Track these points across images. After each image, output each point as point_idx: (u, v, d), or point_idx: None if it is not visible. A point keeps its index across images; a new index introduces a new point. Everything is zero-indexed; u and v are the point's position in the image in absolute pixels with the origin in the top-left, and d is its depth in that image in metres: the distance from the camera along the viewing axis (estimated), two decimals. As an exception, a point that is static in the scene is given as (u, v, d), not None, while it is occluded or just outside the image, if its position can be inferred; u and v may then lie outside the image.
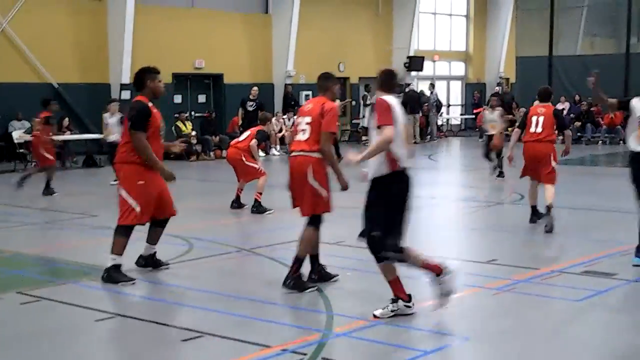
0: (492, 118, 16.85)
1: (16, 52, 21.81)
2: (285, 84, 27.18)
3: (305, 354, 5.79)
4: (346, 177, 7.51)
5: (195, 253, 9.48)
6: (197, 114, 25.65)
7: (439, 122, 32.23)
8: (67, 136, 20.84)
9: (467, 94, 35.55)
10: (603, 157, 21.85)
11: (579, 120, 27.13)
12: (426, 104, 29.86)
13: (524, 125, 10.90)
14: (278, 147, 24.06)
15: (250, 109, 22.17)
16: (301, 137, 7.62)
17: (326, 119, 7.45)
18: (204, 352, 6.06)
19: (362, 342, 6.17)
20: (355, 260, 8.97)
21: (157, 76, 8.13)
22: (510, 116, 28.58)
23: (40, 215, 12.85)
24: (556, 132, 10.81)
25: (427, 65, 32.74)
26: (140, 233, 8.25)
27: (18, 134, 20.26)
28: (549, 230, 10.37)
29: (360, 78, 30.92)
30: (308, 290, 7.49)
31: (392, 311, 6.61)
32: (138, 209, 7.86)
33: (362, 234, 6.69)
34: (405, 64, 31.52)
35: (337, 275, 7.92)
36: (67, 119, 21.27)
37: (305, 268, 7.72)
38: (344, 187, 7.54)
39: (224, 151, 20.38)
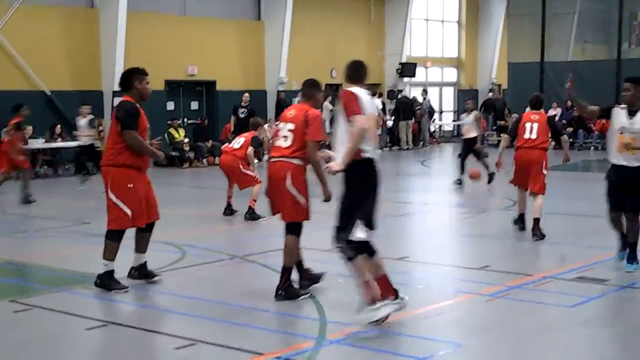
0: (467, 121, 16.83)
1: (8, 60, 21.75)
2: (278, 91, 27.19)
3: (298, 362, 5.80)
4: (330, 188, 7.40)
5: (188, 260, 9.47)
6: (189, 121, 25.63)
7: (432, 128, 32.27)
8: (59, 143, 20.79)
9: (459, 100, 35.60)
10: (595, 163, 21.89)
11: (571, 126, 27.18)
12: (419, 109, 29.87)
13: (515, 132, 10.88)
14: (271, 153, 24.01)
15: (241, 115, 22.16)
16: (282, 143, 7.56)
17: (312, 127, 7.37)
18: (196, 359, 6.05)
19: (355, 350, 6.17)
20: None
21: (145, 78, 8.02)
22: (503, 122, 28.69)
23: (32, 223, 12.81)
24: (550, 139, 10.82)
25: (420, 71, 32.80)
26: (129, 240, 8.21)
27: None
28: (537, 238, 10.39)
29: (352, 84, 30.94)
30: (301, 298, 7.49)
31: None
32: (130, 212, 7.82)
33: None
34: (397, 70, 31.60)
35: (325, 272, 7.92)
36: (59, 126, 21.21)
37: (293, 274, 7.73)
38: (327, 198, 7.40)
39: (216, 158, 20.36)
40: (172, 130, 22.98)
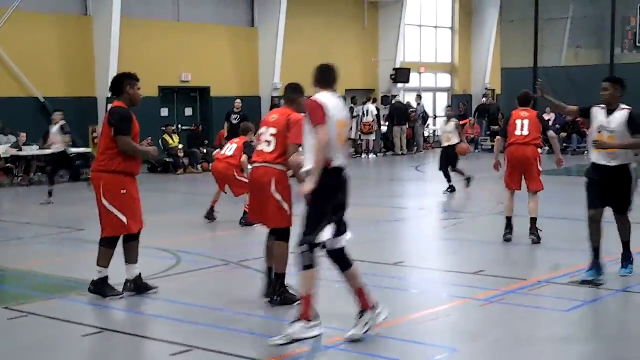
0: (447, 130, 16.52)
1: (2, 67, 21.74)
2: (272, 97, 27.20)
3: (294, 367, 5.79)
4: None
5: (183, 267, 9.46)
6: (184, 127, 25.63)
7: (426, 134, 32.32)
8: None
9: (453, 106, 35.64)
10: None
11: (565, 131, 27.25)
12: (413, 111, 29.88)
13: (506, 132, 10.87)
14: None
15: (234, 121, 22.16)
16: (265, 148, 7.52)
17: (293, 131, 7.28)
18: (192, 366, 6.04)
19: (351, 355, 6.17)
20: (343, 272, 8.99)
21: (136, 83, 7.98)
22: (497, 127, 28.73)
23: (27, 230, 12.78)
24: (542, 136, 10.79)
25: (413, 77, 32.86)
26: (121, 247, 8.18)
27: (5, 149, 20.16)
28: (537, 242, 10.41)
29: (346, 90, 30.98)
30: (297, 303, 7.47)
31: (364, 325, 6.39)
32: (124, 219, 7.79)
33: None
34: (391, 76, 31.66)
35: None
36: (53, 133, 21.17)
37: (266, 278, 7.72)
38: (299, 197, 7.17)
39: (211, 164, 20.34)
40: (166, 137, 22.97)
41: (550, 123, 25.69)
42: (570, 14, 31.01)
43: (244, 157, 12.36)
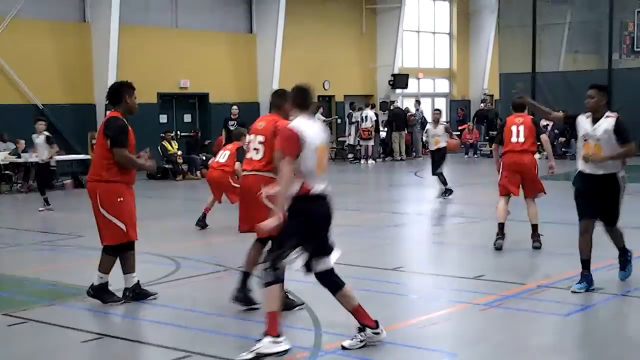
0: (436, 133, 16.51)
1: (1, 74, 21.77)
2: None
3: (294, 372, 5.79)
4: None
5: (183, 272, 9.45)
6: (182, 134, 25.65)
7: (424, 139, 32.30)
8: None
9: (451, 111, 35.72)
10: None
11: (563, 136, 27.25)
12: (412, 115, 29.87)
13: (502, 138, 10.83)
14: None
15: (232, 128, 22.19)
16: (254, 155, 7.48)
17: (278, 137, 7.00)
18: (192, 371, 6.04)
19: (351, 360, 6.18)
20: (342, 277, 8.98)
21: (134, 92, 7.98)
22: (495, 132, 28.76)
23: (27, 236, 12.78)
24: (537, 142, 10.78)
25: (412, 82, 32.92)
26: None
27: (4, 156, 20.17)
28: (538, 247, 10.40)
29: (345, 96, 31.08)
30: (297, 308, 7.48)
31: (361, 341, 6.26)
32: (124, 226, 7.79)
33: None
34: (389, 81, 31.71)
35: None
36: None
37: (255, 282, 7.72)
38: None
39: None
40: (165, 143, 22.98)
41: (549, 128, 25.70)
42: (568, 19, 31.08)
43: (237, 164, 12.31)
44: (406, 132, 29.43)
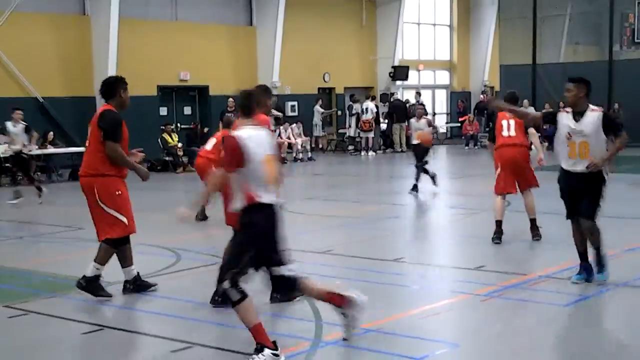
0: (419, 127, 16.54)
1: (0, 67, 21.75)
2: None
3: (295, 363, 5.79)
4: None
5: (183, 264, 9.46)
6: (183, 126, 25.63)
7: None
8: (53, 149, 20.78)
9: (452, 103, 35.71)
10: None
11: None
12: (412, 105, 29.80)
13: (494, 134, 10.71)
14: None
15: (228, 121, 22.19)
16: None
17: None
18: (193, 362, 6.04)
19: (352, 350, 6.17)
20: (343, 269, 9.01)
21: (127, 87, 7.97)
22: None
23: (26, 229, 12.79)
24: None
25: (412, 74, 32.89)
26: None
27: (4, 148, 20.12)
28: (538, 240, 10.39)
29: (345, 88, 31.05)
30: (297, 299, 7.48)
31: None
32: (125, 219, 7.78)
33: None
34: (390, 73, 31.67)
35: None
36: (51, 132, 21.20)
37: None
38: None
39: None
40: (165, 135, 22.96)
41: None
42: (568, 10, 31.03)
43: (223, 154, 12.13)
44: (406, 124, 29.39)
